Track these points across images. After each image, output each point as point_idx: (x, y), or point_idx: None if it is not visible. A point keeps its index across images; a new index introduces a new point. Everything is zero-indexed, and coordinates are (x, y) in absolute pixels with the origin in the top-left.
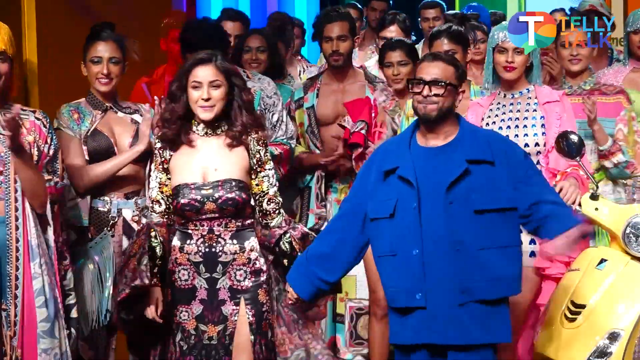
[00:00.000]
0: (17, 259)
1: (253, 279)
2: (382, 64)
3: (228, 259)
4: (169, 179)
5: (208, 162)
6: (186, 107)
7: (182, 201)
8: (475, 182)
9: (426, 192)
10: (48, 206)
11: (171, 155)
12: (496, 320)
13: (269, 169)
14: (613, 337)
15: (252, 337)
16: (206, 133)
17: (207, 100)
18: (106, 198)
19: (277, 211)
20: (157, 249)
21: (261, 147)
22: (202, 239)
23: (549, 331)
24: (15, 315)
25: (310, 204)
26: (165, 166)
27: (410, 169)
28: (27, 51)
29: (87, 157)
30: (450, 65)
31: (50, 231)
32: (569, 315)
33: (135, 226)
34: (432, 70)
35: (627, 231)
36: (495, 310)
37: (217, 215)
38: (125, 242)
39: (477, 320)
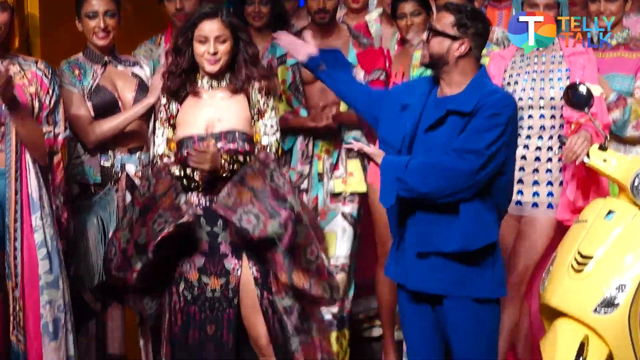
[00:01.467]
0: (17, 211)
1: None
2: (395, 16)
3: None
4: (175, 133)
5: (212, 114)
6: (191, 60)
7: (187, 153)
8: (451, 131)
9: (419, 135)
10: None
11: (178, 110)
12: (461, 274)
13: (268, 119)
14: (620, 288)
15: (259, 292)
16: (211, 86)
17: (214, 54)
18: (109, 153)
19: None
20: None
21: (261, 97)
22: (203, 192)
23: (555, 281)
24: (16, 267)
25: (292, 162)
26: (172, 122)
27: (416, 110)
28: (29, 4)
29: (92, 113)
30: (451, 14)
31: (51, 183)
32: (576, 266)
33: (137, 181)
34: (438, 19)
35: (636, 182)
36: (462, 263)
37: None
38: (129, 197)
39: (438, 270)
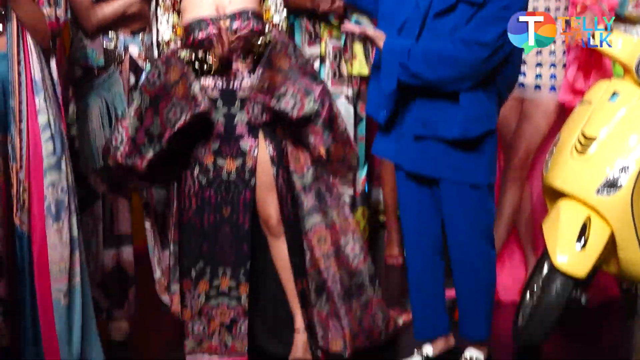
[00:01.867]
0: (20, 93)
1: (270, 114)
2: None
3: (246, 94)
4: (180, 19)
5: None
6: None
7: (200, 36)
8: (457, 19)
9: (429, 20)
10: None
11: None
12: (459, 159)
13: None
14: (623, 169)
15: (275, 171)
16: None
17: None
18: (112, 35)
19: None
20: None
21: None
22: (218, 74)
23: (558, 162)
24: (21, 149)
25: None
26: (177, 7)
27: None
28: None
29: None
30: None
31: (54, 65)
32: (579, 148)
33: (141, 63)
34: None
35: None
36: (460, 149)
37: (236, 49)
38: (132, 79)
39: (435, 154)
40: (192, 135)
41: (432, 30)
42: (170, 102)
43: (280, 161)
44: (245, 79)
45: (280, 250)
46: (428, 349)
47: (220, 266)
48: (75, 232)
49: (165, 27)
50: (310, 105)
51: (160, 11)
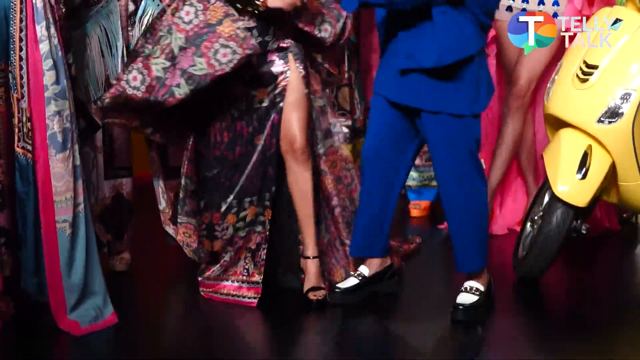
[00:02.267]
0: (22, 20)
1: (296, 36)
2: None
3: (280, 25)
4: None
5: None
6: None
7: None
8: None
9: None
10: None
11: None
12: (437, 89)
13: None
14: (625, 97)
15: (306, 89)
16: None
17: None
18: None
19: None
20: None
21: None
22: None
23: (560, 91)
24: (22, 78)
25: None
26: None
27: None
28: None
29: None
30: None
31: None
32: (581, 76)
33: None
34: None
35: None
36: (439, 78)
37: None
38: (132, 6)
39: (416, 85)
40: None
41: None
42: (217, 42)
43: (308, 81)
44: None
45: (302, 177)
46: (364, 269)
47: (247, 196)
48: (78, 161)
49: None
50: (340, 28)
51: None
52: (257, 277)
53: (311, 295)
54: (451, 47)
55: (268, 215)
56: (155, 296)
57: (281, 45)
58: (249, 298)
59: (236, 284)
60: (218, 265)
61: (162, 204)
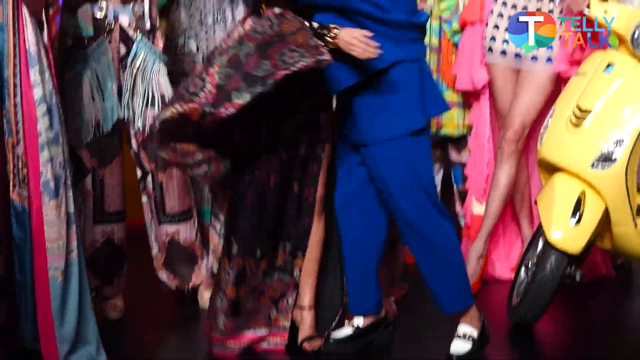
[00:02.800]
0: (15, 66)
1: None
2: None
3: None
4: None
5: None
6: None
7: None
8: None
9: None
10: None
11: None
12: (366, 117)
13: None
14: (618, 142)
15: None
16: None
17: None
18: (102, 3)
19: None
20: None
21: None
22: None
23: (553, 136)
24: (17, 123)
25: None
26: None
27: None
28: None
29: None
30: None
31: (46, 37)
32: (574, 120)
33: (132, 33)
34: None
35: (636, 34)
36: (367, 106)
37: None
38: (123, 49)
39: (351, 119)
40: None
41: None
42: (286, 47)
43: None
44: None
45: (315, 227)
46: (358, 320)
47: (281, 244)
48: (71, 208)
49: None
50: None
51: None
52: (284, 323)
53: (306, 345)
54: (343, 73)
55: (299, 264)
56: (150, 344)
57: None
58: (276, 344)
59: (262, 330)
60: (239, 315)
61: (155, 249)
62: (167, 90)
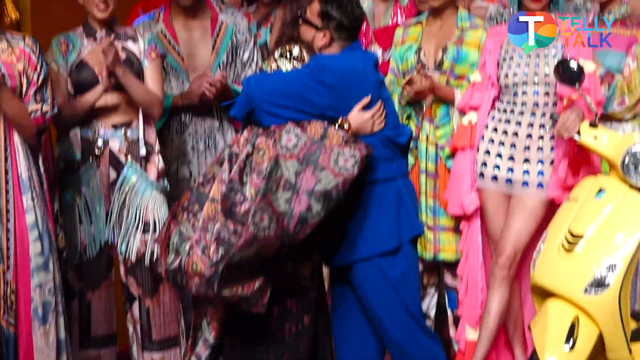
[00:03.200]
0: (7, 192)
1: None
2: None
3: None
4: None
5: None
6: None
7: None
8: None
9: None
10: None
11: None
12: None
13: None
14: (611, 267)
15: None
16: None
17: None
18: (93, 128)
19: None
20: None
21: None
22: None
23: (546, 261)
24: (8, 249)
25: None
26: None
27: None
28: None
29: (71, 90)
30: (318, 2)
31: (40, 162)
32: (567, 246)
33: (122, 158)
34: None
35: (626, 160)
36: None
37: None
38: (113, 174)
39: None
40: None
41: None
42: (332, 151)
43: None
44: None
45: None
46: None
47: None
48: (62, 334)
49: None
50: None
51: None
52: None
53: None
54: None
55: None
56: None
57: None
58: None
59: None
60: None
61: None
62: (158, 217)
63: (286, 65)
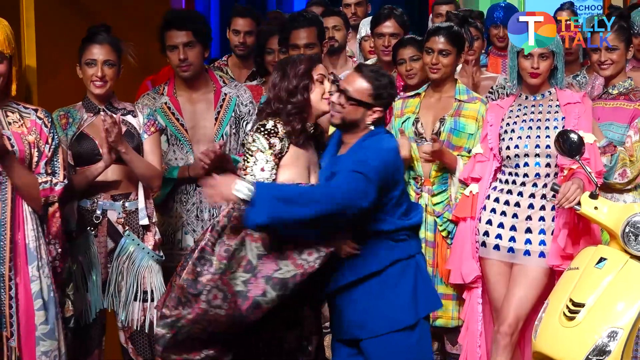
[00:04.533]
0: (11, 261)
1: None
2: (395, 61)
3: None
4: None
5: (311, 163)
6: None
7: None
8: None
9: None
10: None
11: (288, 148)
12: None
13: None
14: (612, 335)
15: None
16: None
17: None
18: (92, 198)
19: None
20: None
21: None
22: None
23: (547, 329)
24: (11, 317)
25: None
26: (280, 156)
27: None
28: (26, 51)
29: (71, 162)
30: (367, 82)
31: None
32: (568, 314)
33: (120, 229)
34: (348, 80)
35: (626, 230)
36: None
37: None
38: (110, 244)
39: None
40: None
41: None
42: (298, 245)
43: None
44: None
45: None
46: None
47: None
48: None
49: (268, 175)
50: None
51: (265, 156)
52: None
53: None
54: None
55: None
56: None
57: None
58: None
59: None
60: None
61: None
62: (155, 286)
63: (260, 140)
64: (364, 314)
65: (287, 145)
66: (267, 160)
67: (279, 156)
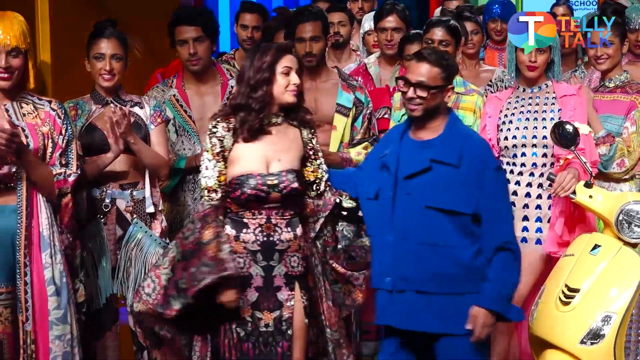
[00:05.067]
0: (26, 248)
1: (304, 264)
2: (402, 56)
3: (284, 247)
4: (226, 167)
5: (271, 152)
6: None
7: (248, 191)
8: (434, 180)
9: (400, 181)
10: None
11: (233, 145)
12: (439, 310)
13: (320, 157)
14: (606, 320)
15: (307, 320)
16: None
17: (296, 85)
18: (101, 187)
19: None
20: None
21: (312, 136)
22: (259, 228)
23: (544, 313)
24: (26, 302)
25: None
26: (225, 155)
27: (393, 157)
28: (41, 45)
29: (80, 152)
30: (436, 67)
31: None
32: (564, 299)
33: (128, 217)
34: (418, 72)
35: (620, 218)
36: (439, 301)
37: (278, 204)
38: (119, 232)
39: (417, 308)
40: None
41: (405, 189)
42: (201, 260)
43: (311, 311)
44: (284, 233)
45: None
46: None
47: None
48: None
49: (211, 174)
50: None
51: (207, 155)
52: None
53: None
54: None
55: None
56: None
57: (289, 271)
58: None
59: None
60: None
61: None
62: None
63: (206, 141)
64: (451, 309)
65: (231, 142)
66: (209, 160)
67: (222, 154)
